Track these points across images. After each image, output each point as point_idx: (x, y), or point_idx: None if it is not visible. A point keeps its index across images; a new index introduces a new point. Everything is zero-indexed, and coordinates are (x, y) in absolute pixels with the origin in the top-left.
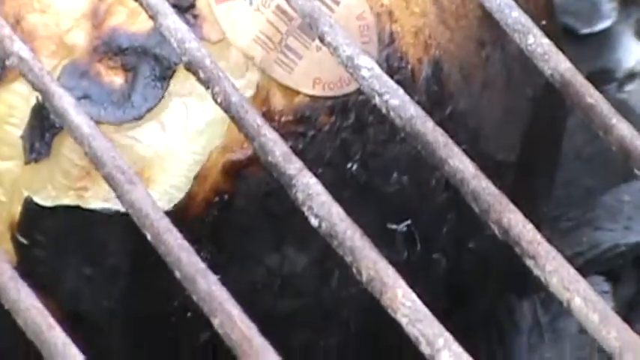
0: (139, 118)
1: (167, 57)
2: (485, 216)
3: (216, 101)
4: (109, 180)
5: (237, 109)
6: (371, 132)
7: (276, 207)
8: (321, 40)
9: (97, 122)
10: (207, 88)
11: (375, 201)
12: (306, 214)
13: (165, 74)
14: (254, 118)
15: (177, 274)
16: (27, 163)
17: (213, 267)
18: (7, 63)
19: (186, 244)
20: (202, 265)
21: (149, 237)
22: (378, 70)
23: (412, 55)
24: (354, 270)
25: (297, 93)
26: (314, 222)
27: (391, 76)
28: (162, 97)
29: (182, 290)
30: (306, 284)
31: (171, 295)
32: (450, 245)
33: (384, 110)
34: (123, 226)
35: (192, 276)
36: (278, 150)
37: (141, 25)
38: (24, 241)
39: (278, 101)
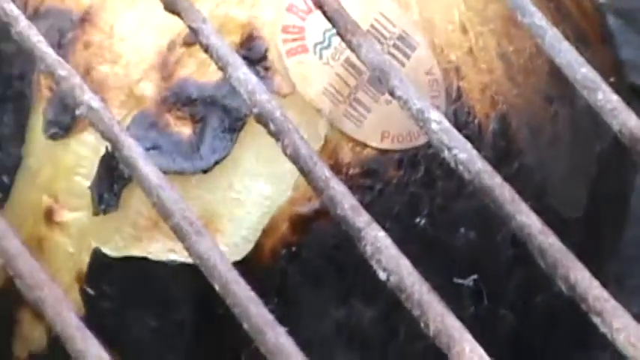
0: (208, 170)
1: (237, 108)
2: (552, 272)
3: (285, 153)
4: (177, 231)
5: (306, 162)
6: (439, 186)
7: (344, 259)
8: (391, 93)
9: (165, 173)
10: (277, 140)
11: (442, 255)
12: (375, 267)
13: (234, 126)
14: (322, 171)
15: (246, 326)
16: (95, 214)
17: (281, 319)
18: (77, 112)
19: (254, 295)
20: (270, 317)
21: (217, 288)
22: (447, 124)
23: (479, 110)
24: (422, 324)
25: (365, 146)
26: (382, 275)
27: (459, 131)
28: (231, 149)
29: (249, 342)
30: (373, 337)
31: (238, 347)
32: (517, 301)
33: (452, 164)
34: (189, 278)
35: (260, 328)
36: (346, 203)
37: (210, 76)
38: (91, 292)
39: (346, 154)
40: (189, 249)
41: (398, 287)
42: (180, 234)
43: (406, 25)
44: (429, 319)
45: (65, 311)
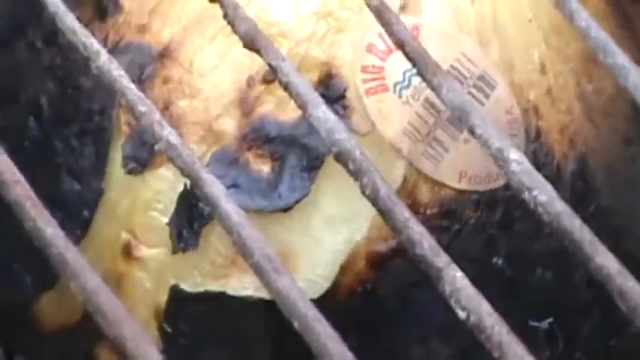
0: (287, 208)
1: (315, 147)
2: (632, 314)
3: (364, 193)
4: (257, 269)
5: (385, 202)
6: (516, 227)
7: (420, 298)
8: (471, 132)
9: (245, 211)
10: (356, 179)
11: (518, 296)
12: (454, 306)
13: (313, 165)
14: (402, 211)
15: None
16: (175, 252)
17: (358, 357)
18: (156, 147)
19: (334, 333)
20: (350, 355)
21: (296, 325)
22: (527, 164)
23: (558, 150)
24: None
25: (443, 186)
26: (461, 315)
27: (537, 171)
28: (310, 188)
29: None
30: None
31: None
32: (594, 344)
33: (532, 205)
34: (266, 314)
35: None
36: (426, 243)
37: (289, 113)
38: (169, 329)
39: (424, 194)
40: (268, 286)
41: (477, 327)
42: (259, 272)
43: (486, 64)
44: (505, 355)
45: (146, 348)
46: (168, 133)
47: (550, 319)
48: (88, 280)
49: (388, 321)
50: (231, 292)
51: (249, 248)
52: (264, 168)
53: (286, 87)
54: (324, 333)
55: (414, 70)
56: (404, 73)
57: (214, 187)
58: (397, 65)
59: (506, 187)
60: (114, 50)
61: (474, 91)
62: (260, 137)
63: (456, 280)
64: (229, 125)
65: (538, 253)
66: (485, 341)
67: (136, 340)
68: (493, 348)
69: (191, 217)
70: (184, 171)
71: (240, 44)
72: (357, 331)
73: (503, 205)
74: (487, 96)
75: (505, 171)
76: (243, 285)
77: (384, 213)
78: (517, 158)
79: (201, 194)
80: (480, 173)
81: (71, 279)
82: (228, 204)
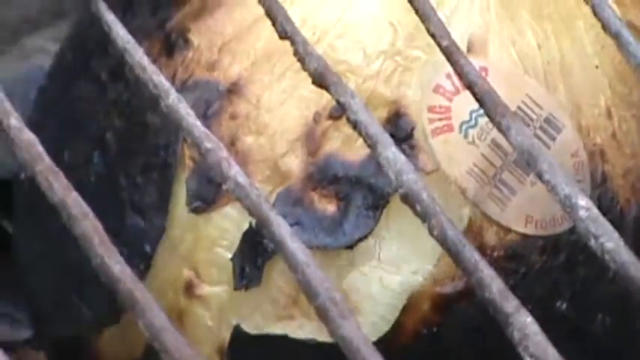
0: (351, 246)
1: (381, 187)
2: None
3: (432, 234)
4: (321, 312)
5: (455, 244)
6: (581, 271)
7: (485, 343)
8: (539, 177)
9: (309, 248)
10: (424, 221)
11: (581, 341)
12: (522, 353)
13: (378, 204)
14: (471, 254)
15: None
16: (237, 289)
17: None
18: (224, 187)
19: None
20: None
21: None
22: (595, 211)
23: (622, 195)
24: None
25: (510, 230)
26: None
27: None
28: (374, 226)
29: None
30: None
31: None
32: None
33: (598, 253)
34: (325, 355)
35: None
36: (495, 287)
37: (356, 150)
38: None
39: (490, 237)
40: (332, 332)
41: None
42: (324, 315)
43: (553, 107)
44: None
45: None
46: (235, 172)
47: None
48: (154, 317)
49: None
50: (293, 335)
51: (314, 289)
52: (330, 207)
53: (355, 125)
54: None
55: (481, 111)
56: (471, 113)
57: (282, 228)
58: (464, 105)
59: (571, 231)
60: (182, 87)
61: (540, 133)
62: (326, 177)
63: (525, 327)
64: (295, 164)
65: (600, 298)
66: None
67: None
68: None
69: (255, 254)
70: (252, 211)
71: (308, 81)
72: None
73: (568, 249)
74: (553, 139)
75: (573, 217)
76: (307, 328)
77: (452, 255)
78: (585, 205)
79: (267, 233)
80: (545, 217)
81: (139, 316)
82: (294, 243)
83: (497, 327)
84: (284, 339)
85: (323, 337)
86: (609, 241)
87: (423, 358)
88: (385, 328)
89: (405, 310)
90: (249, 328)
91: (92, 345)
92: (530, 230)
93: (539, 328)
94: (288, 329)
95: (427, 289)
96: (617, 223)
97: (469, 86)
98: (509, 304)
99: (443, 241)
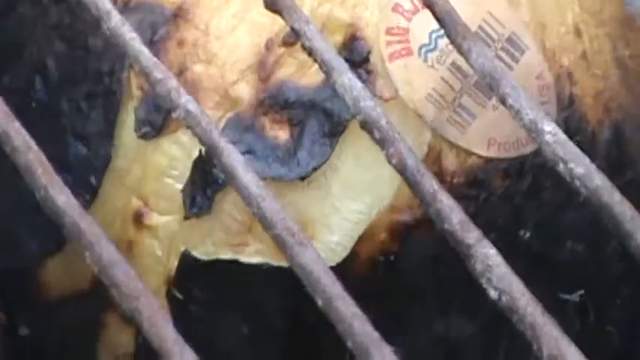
0: (305, 176)
1: (338, 112)
2: None
3: (390, 162)
4: (279, 242)
5: (413, 173)
6: (546, 197)
7: (444, 272)
8: (502, 101)
9: (261, 179)
10: (382, 148)
11: (547, 269)
12: (485, 285)
13: (334, 130)
14: (430, 183)
15: (350, 344)
16: (187, 218)
17: (377, 329)
18: (174, 115)
19: (359, 312)
20: (377, 335)
21: (320, 303)
22: (562, 135)
23: (592, 117)
24: (535, 346)
25: (471, 154)
26: (493, 294)
27: (570, 139)
28: (330, 154)
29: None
30: (472, 355)
31: (333, 356)
32: (624, 318)
33: (567, 178)
34: (283, 283)
35: (365, 347)
36: (455, 217)
37: (310, 77)
38: (180, 296)
39: (450, 162)
40: (291, 260)
41: (509, 308)
42: (281, 245)
43: (516, 26)
44: (542, 343)
45: (163, 324)
46: (186, 100)
47: (581, 292)
48: (103, 251)
49: (410, 294)
50: (246, 260)
51: (269, 220)
52: (282, 134)
53: (310, 52)
54: (349, 312)
55: (441, 32)
56: (430, 34)
57: (232, 157)
58: (423, 26)
59: (536, 153)
60: (124, 9)
61: (502, 54)
62: (278, 103)
63: (488, 258)
64: (246, 91)
65: (569, 225)
66: (518, 322)
67: (152, 316)
68: (526, 329)
69: (206, 183)
70: (202, 139)
71: (259, 4)
72: (377, 303)
73: (533, 173)
74: (516, 60)
75: (539, 142)
76: (261, 252)
77: (411, 184)
78: (551, 130)
79: (218, 163)
80: (509, 140)
81: (86, 249)
82: (247, 174)
83: (458, 256)
84: (236, 264)
85: (277, 261)
86: (579, 166)
87: (380, 288)
88: (342, 255)
89: (361, 239)
90: (200, 255)
91: (37, 277)
92: (492, 153)
93: (503, 260)
94: (241, 255)
95: (384, 217)
96: (588, 146)
97: (429, 5)
98: (471, 234)
99: (401, 170)
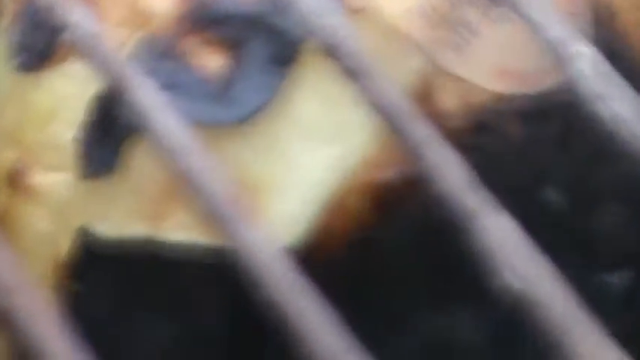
0: (245, 119)
1: (290, 31)
2: None
3: (362, 99)
4: (211, 212)
5: (396, 114)
6: (578, 147)
7: (439, 249)
8: (517, 12)
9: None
10: (352, 80)
11: (576, 240)
12: (494, 267)
13: (285, 56)
14: (420, 128)
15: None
16: (84, 177)
17: (353, 329)
18: (63, 38)
19: (324, 310)
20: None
21: (268, 297)
22: (601, 62)
23: (637, 37)
24: (564, 352)
25: (475, 88)
26: (505, 279)
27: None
28: (280, 89)
29: None
30: (474, 354)
31: None
32: None
33: (607, 121)
34: (219, 271)
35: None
36: (455, 175)
37: None
38: (75, 286)
39: (446, 99)
40: (230, 238)
41: (528, 298)
42: (216, 217)
43: None
44: (574, 348)
45: (48, 326)
46: (79, 17)
47: (625, 271)
48: None
49: (393, 280)
50: (164, 237)
51: (194, 183)
52: (215, 61)
53: None
54: (310, 311)
55: None
56: None
57: (145, 94)
58: None
59: (565, 89)
60: None
61: None
62: (208, 17)
63: (498, 229)
64: (162, 3)
65: (605, 183)
66: (539, 318)
67: (33, 316)
68: (552, 328)
69: (108, 130)
70: (101, 69)
71: None
72: (351, 295)
73: (559, 115)
74: None
75: (567, 70)
76: (182, 226)
77: (393, 129)
78: (584, 52)
79: (126, 102)
80: (527, 69)
81: None
82: (165, 117)
83: (458, 229)
84: (153, 244)
85: (210, 239)
86: (622, 103)
87: (355, 273)
88: (301, 230)
89: (327, 207)
90: (104, 230)
91: None
92: (504, 86)
93: (519, 231)
94: (160, 231)
95: (359, 177)
96: (629, 73)
97: None
98: (475, 198)
99: (380, 109)
